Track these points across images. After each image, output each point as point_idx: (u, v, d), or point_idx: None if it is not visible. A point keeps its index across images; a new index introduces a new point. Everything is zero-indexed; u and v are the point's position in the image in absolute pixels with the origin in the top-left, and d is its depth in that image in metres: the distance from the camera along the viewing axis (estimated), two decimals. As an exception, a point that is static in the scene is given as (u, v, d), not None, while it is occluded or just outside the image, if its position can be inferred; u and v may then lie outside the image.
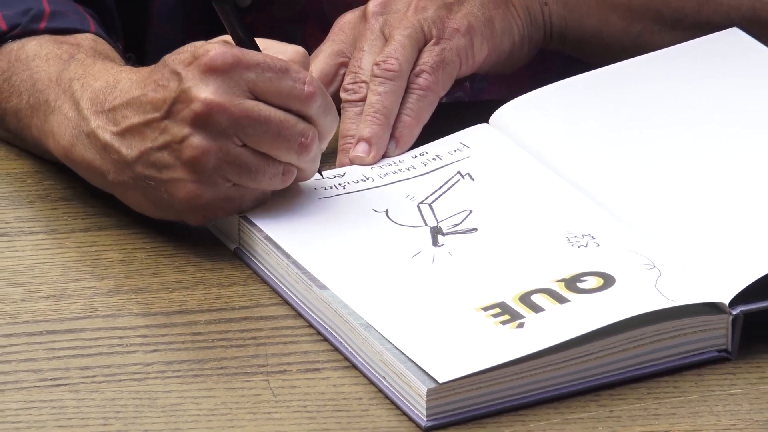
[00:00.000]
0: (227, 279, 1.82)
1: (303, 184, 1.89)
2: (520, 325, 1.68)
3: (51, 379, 1.67)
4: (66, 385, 1.67)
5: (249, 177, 1.79)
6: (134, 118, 1.79)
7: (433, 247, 1.81)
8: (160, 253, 1.84)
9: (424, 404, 1.62)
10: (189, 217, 1.83)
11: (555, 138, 1.93)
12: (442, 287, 1.76)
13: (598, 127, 1.94)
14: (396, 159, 1.93)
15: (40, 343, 1.72)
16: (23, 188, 1.92)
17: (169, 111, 1.77)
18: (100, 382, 1.67)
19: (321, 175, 1.89)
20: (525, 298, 1.73)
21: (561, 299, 1.72)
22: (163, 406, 1.64)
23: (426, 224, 1.84)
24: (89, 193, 1.90)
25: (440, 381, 1.62)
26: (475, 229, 1.84)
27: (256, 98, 1.78)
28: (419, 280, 1.77)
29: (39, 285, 1.79)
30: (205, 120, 1.76)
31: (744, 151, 1.90)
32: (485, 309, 1.72)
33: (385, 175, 1.91)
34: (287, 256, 1.79)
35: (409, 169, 1.92)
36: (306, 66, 1.86)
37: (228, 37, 1.84)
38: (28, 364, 1.69)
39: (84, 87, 1.85)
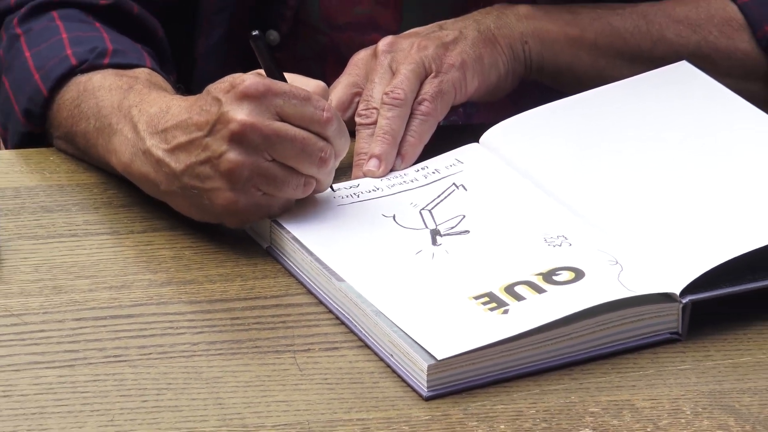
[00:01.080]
0: (260, 272, 1.81)
1: (324, 194, 1.89)
2: (506, 312, 1.69)
3: (113, 356, 1.68)
4: (126, 361, 1.67)
5: (276, 187, 1.78)
6: (182, 137, 1.79)
7: (432, 246, 1.81)
8: (205, 251, 1.84)
9: (425, 378, 1.62)
10: (227, 220, 1.82)
11: (535, 155, 1.92)
12: (440, 280, 1.76)
13: (571, 146, 1.94)
14: (402, 172, 1.92)
15: (104, 326, 1.72)
16: (90, 196, 1.92)
17: (210, 130, 1.77)
18: (155, 359, 1.68)
19: (332, 189, 1.88)
20: (509, 289, 1.72)
21: (539, 290, 1.72)
22: (207, 379, 1.65)
23: (426, 227, 1.83)
24: (145, 200, 1.89)
25: (439, 358, 1.62)
26: (467, 231, 1.83)
27: (283, 120, 1.77)
28: (421, 273, 1.77)
29: (103, 277, 1.79)
30: (240, 138, 1.76)
31: (691, 165, 1.89)
32: (476, 298, 1.72)
33: (392, 186, 1.90)
34: (311, 253, 1.79)
35: (412, 181, 1.91)
36: (325, 96, 1.86)
37: (261, 71, 1.84)
38: (94, 343, 1.69)
39: (141, 112, 1.85)
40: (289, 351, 1.69)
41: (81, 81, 1.97)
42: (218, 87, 1.80)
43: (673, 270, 1.72)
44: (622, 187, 1.87)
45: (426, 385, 1.63)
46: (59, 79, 1.98)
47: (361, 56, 1.99)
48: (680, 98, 1.99)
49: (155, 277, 1.80)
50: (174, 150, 1.81)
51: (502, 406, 1.62)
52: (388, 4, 2.18)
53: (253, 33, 1.85)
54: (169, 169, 1.81)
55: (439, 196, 1.89)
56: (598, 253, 1.77)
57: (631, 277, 1.72)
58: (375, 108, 1.93)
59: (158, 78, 1.97)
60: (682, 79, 2.00)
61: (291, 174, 1.79)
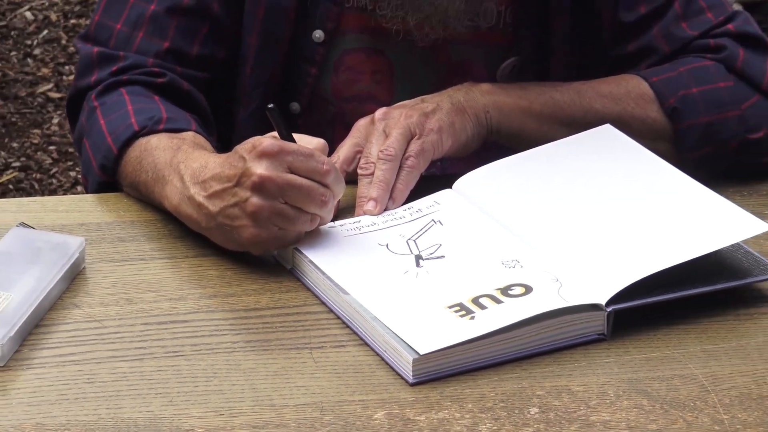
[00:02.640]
0: (285, 288, 1.81)
1: (333, 227, 1.88)
2: (472, 318, 1.69)
3: (172, 352, 1.68)
4: (182, 355, 1.68)
5: (289, 223, 1.78)
6: (216, 187, 1.79)
7: (416, 267, 1.80)
8: (242, 271, 1.83)
9: (411, 368, 1.63)
10: (252, 249, 1.82)
11: (494, 197, 1.92)
12: (422, 293, 1.75)
13: (522, 190, 1.92)
14: (393, 211, 1.91)
15: (165, 329, 1.72)
16: (154, 230, 1.91)
17: (238, 182, 1.77)
18: (204, 354, 1.68)
19: (333, 222, 1.87)
20: (475, 300, 1.72)
21: (498, 301, 1.72)
22: (244, 369, 1.65)
23: (412, 253, 1.83)
24: (195, 233, 1.87)
25: (421, 353, 1.63)
26: (443, 256, 1.82)
27: (293, 173, 1.78)
28: (407, 288, 1.77)
29: (165, 291, 1.79)
30: (260, 187, 1.76)
31: (613, 204, 1.88)
32: (450, 307, 1.72)
33: (386, 222, 1.89)
34: (323, 272, 1.78)
35: (401, 218, 1.90)
36: (325, 151, 1.87)
37: (276, 134, 1.86)
38: (157, 342, 1.70)
39: (186, 167, 1.85)
40: (307, 348, 1.70)
41: (142, 142, 1.97)
42: (243, 147, 1.81)
43: (599, 286, 1.73)
44: (561, 222, 1.86)
45: (411, 373, 1.64)
46: (126, 141, 1.97)
47: (362, 123, 1.98)
48: (604, 153, 1.98)
49: (204, 291, 1.80)
50: (211, 196, 1.81)
51: (470, 390, 1.63)
52: (383, 82, 2.16)
53: (269, 106, 1.86)
54: (207, 211, 1.82)
55: (421, 230, 1.88)
56: (543, 273, 1.77)
57: (568, 292, 1.72)
58: (373, 162, 1.92)
59: (201, 139, 1.96)
60: (606, 138, 2.00)
61: (300, 213, 1.79)
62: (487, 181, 1.96)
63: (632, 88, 2.08)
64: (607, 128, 2.01)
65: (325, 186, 1.80)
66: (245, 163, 1.78)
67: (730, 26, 2.12)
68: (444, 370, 1.66)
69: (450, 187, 1.96)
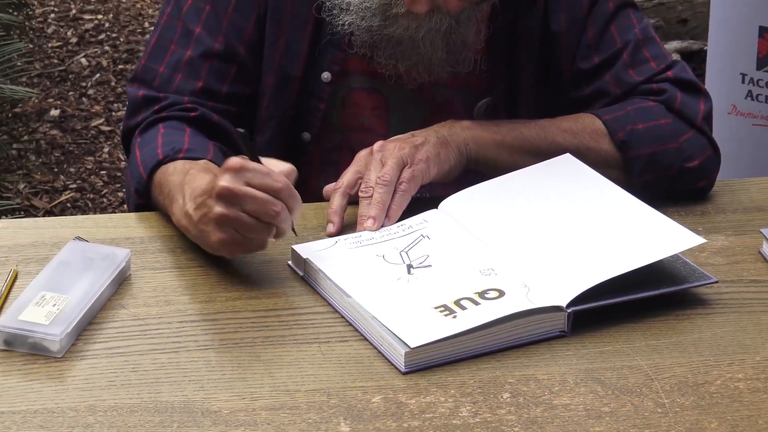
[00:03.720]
0: (297, 292, 1.80)
1: (338, 241, 1.87)
2: (454, 317, 1.69)
3: (203, 345, 1.68)
4: (212, 348, 1.68)
5: (247, 230, 1.76)
6: (199, 200, 1.79)
7: (408, 275, 1.80)
8: (261, 278, 1.82)
9: (403, 359, 1.63)
10: (222, 252, 1.81)
11: (473, 215, 1.91)
12: (413, 296, 1.75)
13: (496, 209, 1.92)
14: (388, 228, 1.90)
15: (197, 326, 1.72)
16: (188, 243, 1.88)
17: (209, 194, 1.77)
18: (230, 347, 1.68)
19: (294, 233, 1.84)
20: (457, 302, 1.72)
21: (476, 303, 1.72)
22: (264, 360, 1.65)
23: (404, 263, 1.82)
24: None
25: (411, 346, 1.63)
26: (430, 266, 1.82)
27: (251, 186, 1.76)
28: (400, 292, 1.76)
29: (197, 294, 1.78)
30: (221, 196, 1.75)
31: (573, 221, 1.88)
32: (436, 308, 1.72)
33: (382, 236, 1.88)
34: (330, 279, 1.78)
35: (395, 233, 1.89)
36: (292, 175, 1.84)
37: (245, 156, 1.82)
38: (191, 337, 1.70)
39: (188, 187, 1.84)
40: (316, 342, 1.70)
41: (166, 169, 1.96)
42: (220, 168, 1.82)
43: (561, 290, 1.72)
44: (529, 236, 1.86)
45: (404, 364, 1.64)
46: (152, 168, 1.97)
47: (362, 154, 1.97)
48: (565, 177, 1.97)
49: (230, 294, 1.79)
50: (195, 208, 1.80)
51: (452, 378, 1.63)
52: (381, 116, 2.15)
53: (239, 130, 1.84)
54: (191, 221, 1.81)
55: (412, 243, 1.87)
56: (514, 279, 1.76)
57: (535, 296, 1.72)
58: (371, 187, 1.91)
59: (212, 166, 1.93)
60: (566, 165, 1.99)
61: (256, 222, 1.76)
62: (467, 202, 1.95)
63: (588, 124, 2.07)
64: (567, 157, 2.00)
65: (280, 200, 1.78)
66: (215, 179, 1.78)
67: (669, 73, 2.12)
68: (431, 361, 1.66)
69: (436, 207, 1.95)
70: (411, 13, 2.00)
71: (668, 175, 2.05)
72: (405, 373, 1.64)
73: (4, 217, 3.37)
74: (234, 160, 1.77)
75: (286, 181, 1.79)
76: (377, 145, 1.97)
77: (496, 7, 2.08)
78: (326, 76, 2.11)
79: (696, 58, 4.21)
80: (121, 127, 2.17)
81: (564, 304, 1.71)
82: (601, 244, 1.83)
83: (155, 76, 2.10)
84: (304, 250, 1.86)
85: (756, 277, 1.83)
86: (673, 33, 4.46)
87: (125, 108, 2.17)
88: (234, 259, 1.85)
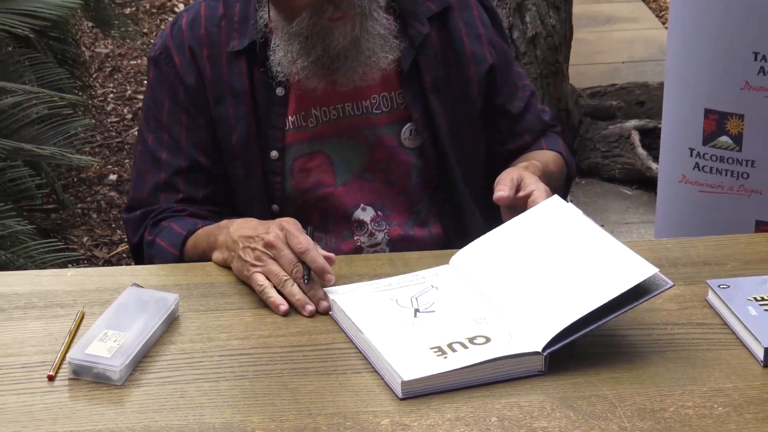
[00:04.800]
0: (319, 330, 1.79)
1: (361, 286, 1.86)
2: (445, 357, 1.68)
3: (240, 375, 1.68)
4: (246, 378, 1.68)
5: (271, 273, 1.83)
6: (246, 240, 1.87)
7: (414, 318, 1.79)
8: (289, 319, 1.81)
9: (401, 388, 1.64)
10: (251, 281, 1.86)
11: (475, 268, 1.87)
12: (415, 337, 1.73)
13: (494, 262, 1.87)
14: (405, 276, 1.88)
15: (235, 359, 1.72)
16: (227, 289, 1.88)
17: (259, 236, 1.85)
18: (262, 377, 1.68)
19: (361, 282, 1.86)
20: (450, 345, 1.71)
21: (465, 346, 1.70)
22: (291, 388, 1.65)
23: (412, 307, 1.81)
24: (255, 292, 1.88)
25: (404, 379, 1.63)
26: (434, 311, 1.80)
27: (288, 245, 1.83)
28: (405, 332, 1.75)
29: (234, 333, 1.78)
30: (268, 244, 1.84)
31: (553, 267, 1.82)
32: (431, 348, 1.71)
33: (399, 284, 1.86)
34: (348, 317, 1.78)
35: (410, 282, 1.87)
36: (331, 261, 1.86)
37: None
38: (229, 369, 1.69)
39: (234, 226, 1.91)
40: (335, 374, 1.69)
41: (192, 239, 2.01)
42: (271, 222, 1.87)
43: (538, 336, 1.70)
44: (516, 286, 1.81)
45: (401, 392, 1.64)
46: (181, 244, 2.02)
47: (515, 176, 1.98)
48: (552, 220, 1.89)
49: (262, 332, 1.78)
50: (245, 238, 1.86)
51: (448, 404, 1.63)
52: (327, 170, 2.09)
53: (309, 227, 1.90)
54: (236, 248, 1.87)
55: (422, 291, 1.85)
56: (501, 327, 1.74)
57: (516, 342, 1.70)
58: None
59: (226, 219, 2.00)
60: (554, 208, 1.90)
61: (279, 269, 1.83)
62: (471, 256, 1.90)
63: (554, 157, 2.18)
64: (555, 199, 1.93)
65: (302, 261, 1.82)
66: (269, 228, 1.85)
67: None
68: (424, 391, 1.65)
69: (448, 263, 1.93)
70: (324, 22, 1.96)
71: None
72: (403, 399, 1.64)
73: (70, 265, 3.38)
74: (288, 223, 1.84)
75: (309, 245, 1.83)
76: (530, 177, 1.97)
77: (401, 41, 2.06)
78: (274, 154, 2.08)
79: (651, 134, 4.22)
80: (129, 246, 2.18)
81: (540, 349, 1.69)
82: (572, 284, 1.78)
83: (142, 202, 2.11)
84: (332, 291, 1.85)
85: (703, 321, 1.82)
86: (632, 113, 4.48)
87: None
88: (263, 304, 1.85)
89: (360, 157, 2.10)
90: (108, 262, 3.87)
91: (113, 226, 4.09)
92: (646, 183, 4.13)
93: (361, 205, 2.10)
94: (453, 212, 2.15)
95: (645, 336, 1.78)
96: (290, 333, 1.79)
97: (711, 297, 1.87)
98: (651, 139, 4.16)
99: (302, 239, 1.83)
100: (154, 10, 5.72)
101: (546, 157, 2.15)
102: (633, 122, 4.32)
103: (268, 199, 2.10)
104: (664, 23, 5.40)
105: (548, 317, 1.74)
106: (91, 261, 3.87)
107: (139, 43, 4.90)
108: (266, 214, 2.05)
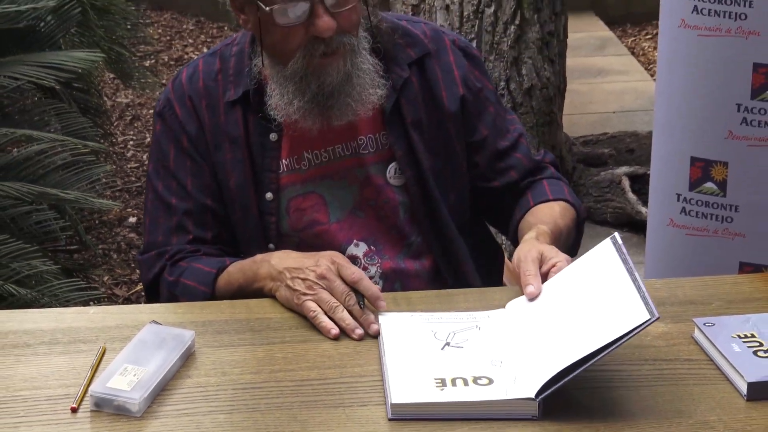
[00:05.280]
0: (327, 365, 1.78)
1: (414, 315, 1.86)
2: (441, 390, 1.68)
3: (252, 408, 1.68)
4: (258, 410, 1.67)
5: (322, 301, 1.86)
6: (297, 270, 1.90)
7: (440, 351, 1.78)
8: (299, 355, 1.81)
9: (390, 409, 1.65)
10: (302, 308, 1.88)
11: (520, 313, 1.85)
12: (430, 366, 1.73)
13: (538, 307, 1.83)
14: (459, 313, 1.87)
15: (248, 392, 1.71)
16: (240, 326, 1.87)
17: (308, 268, 1.88)
18: (273, 410, 1.67)
19: (415, 312, 1.88)
20: (453, 380, 1.70)
21: (467, 384, 1.69)
22: (300, 420, 1.65)
23: (445, 341, 1.79)
24: (268, 329, 1.87)
25: (393, 401, 1.65)
26: (461, 347, 1.78)
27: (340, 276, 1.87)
28: (426, 362, 1.74)
29: (247, 368, 1.77)
30: (320, 276, 1.87)
31: (569, 312, 1.78)
32: (435, 379, 1.70)
33: (449, 319, 1.86)
34: (383, 340, 1.80)
35: (459, 319, 1.86)
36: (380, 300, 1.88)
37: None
38: (242, 401, 1.69)
39: (275, 258, 1.94)
40: (341, 406, 1.69)
41: (224, 275, 2.03)
42: (324, 254, 1.91)
43: (533, 384, 1.67)
44: (538, 332, 1.78)
45: (390, 412, 1.66)
46: (213, 282, 2.03)
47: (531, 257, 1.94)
48: (594, 264, 1.84)
49: (273, 368, 1.78)
50: (294, 269, 1.89)
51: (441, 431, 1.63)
52: (320, 210, 2.10)
53: (359, 299, 1.88)
54: (294, 291, 1.89)
55: (464, 329, 1.84)
56: (509, 372, 1.72)
57: (516, 388, 1.68)
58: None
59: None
60: (601, 252, 1.84)
61: (330, 298, 1.86)
62: (522, 302, 1.88)
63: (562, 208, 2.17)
64: (605, 243, 1.86)
65: (355, 290, 1.85)
66: (320, 260, 1.89)
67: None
68: (415, 416, 1.65)
69: (447, 302, 1.93)
70: (319, 62, 1.97)
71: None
72: (390, 420, 1.64)
73: (92, 303, 3.38)
74: (340, 258, 1.89)
75: (360, 276, 1.88)
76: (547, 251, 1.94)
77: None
78: (269, 195, 2.10)
79: (641, 180, 4.23)
80: (144, 287, 2.18)
81: (533, 396, 1.65)
82: (571, 330, 1.75)
83: (157, 245, 2.12)
84: (384, 316, 1.87)
85: (689, 357, 1.82)
86: (622, 160, 4.49)
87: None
88: (275, 340, 1.85)
89: (351, 195, 2.12)
90: (128, 300, 3.87)
91: (132, 266, 4.09)
92: (636, 226, 4.13)
93: (354, 240, 2.11)
94: (442, 245, 2.15)
95: (635, 371, 1.78)
96: (300, 368, 1.79)
97: (697, 334, 1.87)
98: (640, 184, 4.18)
99: (355, 269, 1.88)
100: (172, 63, 5.76)
101: (553, 214, 2.13)
102: (623, 169, 4.34)
103: (265, 238, 2.12)
104: (652, 75, 5.42)
105: (544, 364, 1.71)
106: (112, 299, 3.87)
107: (157, 93, 4.92)
108: (264, 252, 2.06)
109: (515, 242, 2.13)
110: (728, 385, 1.74)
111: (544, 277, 1.88)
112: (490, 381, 1.71)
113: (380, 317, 1.87)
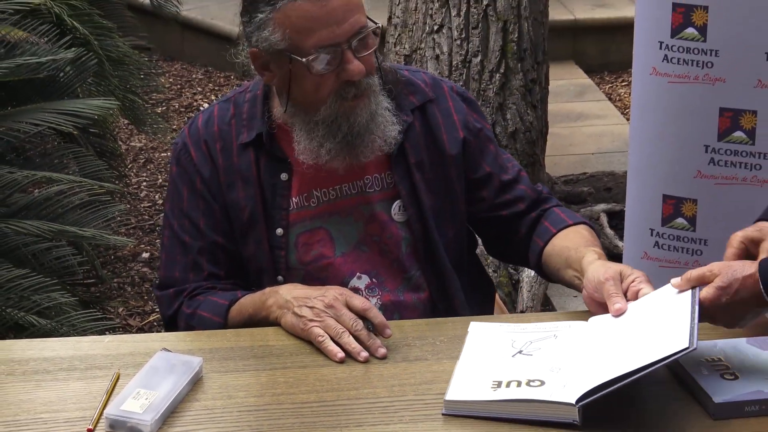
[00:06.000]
0: (325, 389, 1.78)
1: (502, 325, 1.88)
2: (495, 390, 1.70)
3: (256, 428, 1.67)
4: (262, 431, 1.67)
5: (330, 328, 1.87)
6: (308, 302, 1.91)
7: (511, 357, 1.79)
8: (299, 379, 1.80)
9: (444, 405, 1.68)
10: (309, 335, 1.89)
11: (598, 327, 1.83)
12: (495, 370, 1.74)
13: (615, 323, 1.82)
14: (543, 324, 1.88)
15: (251, 414, 1.71)
16: (245, 354, 1.87)
17: (316, 298, 1.89)
18: (276, 431, 1.66)
19: (503, 323, 1.89)
20: (509, 382, 1.71)
21: (520, 385, 1.70)
22: None
23: (519, 348, 1.80)
24: (270, 356, 1.87)
25: (447, 398, 1.69)
26: (531, 355, 1.79)
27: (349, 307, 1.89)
28: (495, 366, 1.75)
29: (251, 391, 1.76)
30: (327, 305, 1.88)
31: (626, 332, 1.79)
32: (494, 381, 1.73)
33: (533, 329, 1.87)
34: (465, 344, 1.85)
35: (542, 329, 1.87)
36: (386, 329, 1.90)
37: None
38: (247, 422, 1.68)
39: (279, 288, 1.97)
40: (338, 427, 1.69)
41: (235, 307, 2.04)
42: (332, 288, 1.93)
43: (577, 391, 1.66)
44: (598, 346, 1.78)
45: (444, 408, 1.69)
46: (225, 313, 2.04)
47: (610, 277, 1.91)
48: (665, 296, 1.83)
49: (275, 391, 1.77)
50: (300, 298, 1.90)
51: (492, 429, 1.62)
52: (327, 245, 2.11)
53: (368, 325, 1.90)
54: (303, 320, 1.90)
55: (542, 338, 1.84)
56: (562, 378, 1.71)
57: (562, 393, 1.68)
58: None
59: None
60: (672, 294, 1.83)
61: (338, 325, 1.87)
62: (605, 318, 1.86)
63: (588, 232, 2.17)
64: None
65: (362, 317, 1.87)
66: (328, 291, 1.91)
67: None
68: (465, 413, 1.68)
69: (436, 330, 1.93)
70: (349, 102, 1.99)
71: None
72: (444, 415, 1.67)
73: (108, 333, 3.39)
74: (345, 291, 1.92)
75: (368, 307, 1.90)
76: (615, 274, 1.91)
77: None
78: (279, 231, 2.10)
79: (617, 216, 4.24)
80: (162, 319, 2.18)
81: (573, 401, 1.65)
82: (625, 346, 1.73)
83: (174, 280, 2.13)
84: (473, 326, 1.89)
85: (662, 379, 1.81)
86: (600, 197, 4.51)
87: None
88: (277, 366, 1.85)
89: (356, 231, 2.12)
90: (141, 330, 3.87)
91: (145, 298, 4.10)
92: (614, 259, 4.02)
93: (357, 273, 2.11)
94: (437, 278, 2.16)
95: (613, 391, 1.76)
96: (300, 391, 1.78)
97: (669, 359, 1.87)
98: (617, 220, 4.19)
99: (363, 299, 1.90)
100: (182, 109, 5.78)
101: (586, 236, 2.12)
102: (601, 206, 4.36)
103: (275, 270, 2.12)
104: (628, 119, 5.45)
105: (592, 374, 1.70)
106: (126, 329, 3.87)
107: (169, 138, 4.94)
108: (273, 284, 2.07)
109: (539, 268, 2.15)
110: (697, 406, 1.74)
111: (627, 292, 1.87)
112: (542, 383, 1.70)
113: (470, 327, 1.87)
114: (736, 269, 1.75)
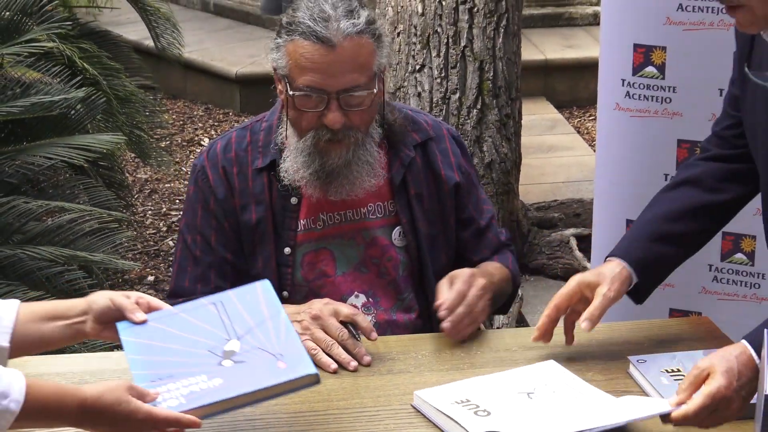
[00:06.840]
0: (315, 400, 1.78)
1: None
2: (455, 405, 1.70)
3: None
4: None
5: (320, 340, 1.89)
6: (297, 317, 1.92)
7: (526, 398, 1.75)
8: (294, 394, 1.79)
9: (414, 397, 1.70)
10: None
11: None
12: (499, 405, 1.71)
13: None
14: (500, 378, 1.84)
15: (249, 423, 1.69)
16: None
17: (305, 309, 1.93)
18: None
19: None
20: (468, 402, 1.71)
21: (473, 410, 1.69)
22: None
23: (528, 392, 1.75)
24: None
25: (416, 392, 1.72)
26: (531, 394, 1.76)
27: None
28: (502, 403, 1.72)
29: (282, 403, 1.76)
30: (314, 317, 1.91)
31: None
32: (461, 399, 1.73)
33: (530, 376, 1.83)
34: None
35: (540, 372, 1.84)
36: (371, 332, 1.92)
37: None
38: (244, 431, 1.69)
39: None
40: None
41: None
42: (318, 300, 1.95)
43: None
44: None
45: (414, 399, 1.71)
46: None
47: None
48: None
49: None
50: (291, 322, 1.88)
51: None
52: (329, 264, 2.11)
53: (352, 331, 1.91)
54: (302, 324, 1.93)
55: (556, 391, 1.78)
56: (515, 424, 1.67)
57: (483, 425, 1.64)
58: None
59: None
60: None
61: (325, 335, 1.90)
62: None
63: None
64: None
65: (346, 325, 1.89)
66: (314, 304, 1.93)
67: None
68: (428, 415, 1.70)
69: (420, 344, 1.95)
70: (329, 143, 2.01)
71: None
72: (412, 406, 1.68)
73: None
74: (330, 302, 1.93)
75: (360, 318, 1.92)
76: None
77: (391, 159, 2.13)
78: (287, 250, 2.10)
79: (586, 240, 4.24)
80: None
81: None
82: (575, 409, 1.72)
83: (184, 290, 2.13)
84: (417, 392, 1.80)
85: (625, 389, 1.83)
86: (570, 223, 4.53)
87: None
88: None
89: (357, 253, 2.13)
90: (146, 348, 3.86)
91: (150, 318, 4.08)
92: None
93: (355, 292, 2.12)
94: (426, 301, 2.17)
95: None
96: (294, 402, 1.77)
97: (632, 370, 1.88)
98: (586, 243, 4.19)
99: (350, 306, 1.94)
100: (185, 143, 5.80)
101: (493, 267, 2.18)
102: (571, 230, 4.38)
103: (280, 286, 2.12)
104: (594, 151, 5.47)
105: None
106: (132, 347, 3.85)
107: (172, 170, 4.96)
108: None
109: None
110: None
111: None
112: (488, 414, 1.68)
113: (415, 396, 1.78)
114: (724, 354, 1.63)
